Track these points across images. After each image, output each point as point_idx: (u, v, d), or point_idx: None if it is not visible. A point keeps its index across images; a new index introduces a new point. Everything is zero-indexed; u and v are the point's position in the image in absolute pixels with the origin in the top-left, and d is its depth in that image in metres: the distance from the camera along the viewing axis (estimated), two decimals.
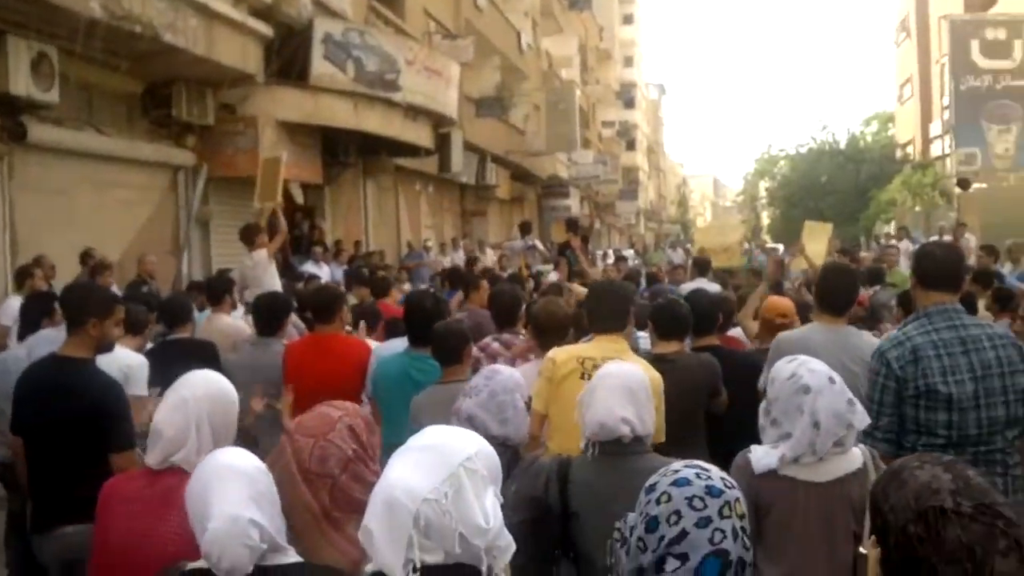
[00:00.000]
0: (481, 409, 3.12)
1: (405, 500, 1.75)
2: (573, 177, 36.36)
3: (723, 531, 1.77)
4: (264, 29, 11.70)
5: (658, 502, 1.82)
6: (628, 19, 66.84)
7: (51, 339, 5.00)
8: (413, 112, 15.51)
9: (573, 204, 35.51)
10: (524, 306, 5.54)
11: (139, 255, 10.09)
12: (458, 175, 21.27)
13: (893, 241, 16.87)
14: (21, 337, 6.12)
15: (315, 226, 15.34)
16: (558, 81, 34.57)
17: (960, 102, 20.09)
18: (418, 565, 1.75)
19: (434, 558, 1.77)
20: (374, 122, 14.41)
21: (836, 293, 4.45)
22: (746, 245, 27.83)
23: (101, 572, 2.76)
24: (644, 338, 5.08)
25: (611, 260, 16.66)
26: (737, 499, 1.83)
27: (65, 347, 3.94)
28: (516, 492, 3.02)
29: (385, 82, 14.28)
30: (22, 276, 8.18)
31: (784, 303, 5.17)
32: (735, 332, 5.98)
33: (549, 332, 4.57)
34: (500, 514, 1.84)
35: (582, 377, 3.87)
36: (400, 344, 4.82)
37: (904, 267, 12.20)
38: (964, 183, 21.91)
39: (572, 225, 13.37)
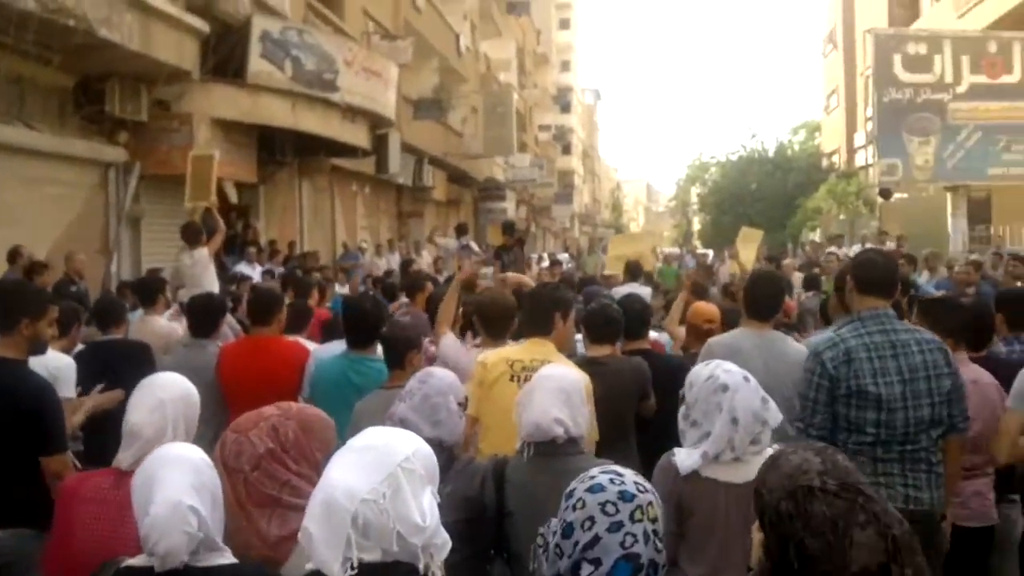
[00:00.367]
0: (414, 412, 3.21)
1: (344, 501, 1.81)
2: (510, 180, 36.52)
3: (634, 535, 1.82)
4: (201, 25, 11.58)
5: (574, 508, 1.87)
6: (565, 24, 67.26)
7: None
8: (351, 112, 15.47)
9: (509, 207, 35.67)
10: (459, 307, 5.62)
11: (67, 253, 9.87)
12: (395, 176, 21.24)
13: (833, 248, 17.31)
14: None
15: (249, 226, 15.21)
16: (496, 84, 34.72)
17: (882, 114, 20.68)
18: (355, 563, 1.80)
19: (371, 556, 1.83)
20: (312, 122, 14.35)
21: (763, 300, 4.62)
22: (678, 250, 28.35)
23: (60, 573, 2.76)
24: (580, 341, 5.20)
25: (546, 264, 16.82)
26: (650, 503, 1.88)
27: None
28: (451, 492, 3.11)
29: (323, 82, 14.24)
30: None
31: (710, 309, 5.34)
32: (656, 335, 6.13)
33: (495, 321, 4.66)
34: (437, 512, 1.91)
35: (512, 379, 3.98)
36: (339, 347, 4.86)
37: None
38: (885, 193, 22.58)
39: (508, 228, 13.50)
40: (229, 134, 12.93)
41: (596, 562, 1.80)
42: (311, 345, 5.32)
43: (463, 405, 3.32)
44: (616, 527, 1.82)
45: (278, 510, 2.45)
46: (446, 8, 27.52)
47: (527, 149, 42.13)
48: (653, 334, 6.03)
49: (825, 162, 44.80)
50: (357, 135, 16.15)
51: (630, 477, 1.93)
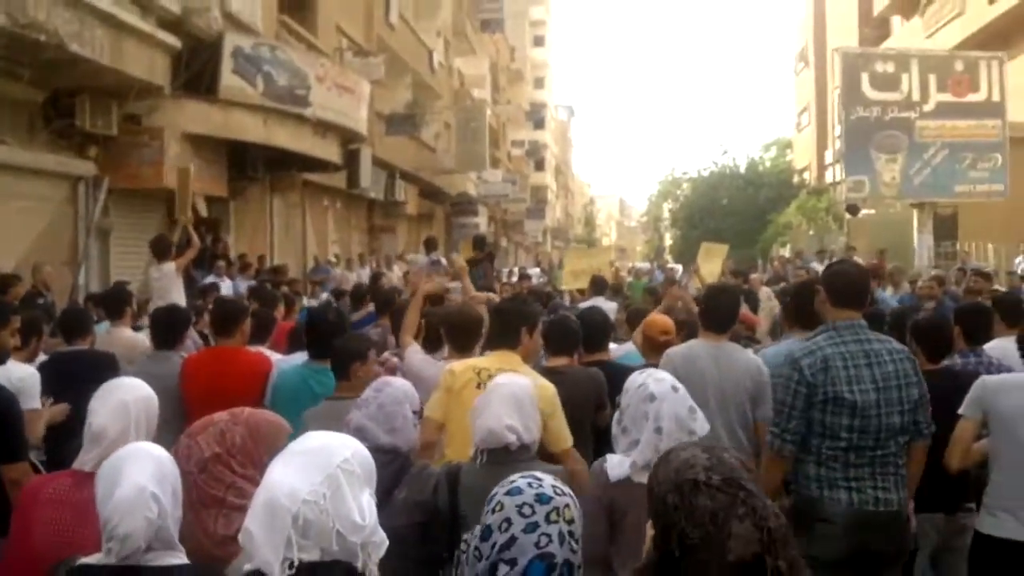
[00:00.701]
0: (370, 420, 3.29)
1: (285, 501, 1.87)
2: (482, 195, 36.66)
3: (549, 535, 1.86)
4: (172, 41, 11.64)
5: (493, 511, 1.91)
6: (539, 41, 67.66)
7: None
8: (323, 128, 15.55)
9: (481, 222, 35.80)
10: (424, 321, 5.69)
11: (34, 265, 9.84)
12: (367, 191, 21.30)
13: (814, 262, 17.51)
14: None
15: (219, 240, 15.21)
16: (469, 100, 34.89)
17: (850, 131, 20.95)
18: (295, 562, 1.85)
19: (310, 556, 1.88)
20: (283, 137, 14.42)
21: (718, 312, 4.78)
22: (648, 265, 28.51)
23: (18, 573, 2.78)
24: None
25: (515, 278, 16.92)
26: (567, 505, 1.92)
27: None
28: (406, 497, 3.19)
29: (295, 97, 14.31)
30: None
31: (665, 321, 5.44)
32: (615, 347, 6.22)
33: (463, 334, 4.75)
34: (375, 512, 1.96)
35: (478, 387, 4.05)
36: (301, 357, 4.92)
37: None
38: (853, 209, 22.87)
39: (479, 242, 13.59)
40: (200, 149, 12.96)
41: (512, 562, 1.83)
42: (274, 356, 5.37)
43: (418, 413, 3.40)
44: (532, 528, 1.86)
45: (223, 510, 2.55)
46: (420, 25, 27.66)
47: (500, 165, 42.30)
48: (614, 346, 6.14)
49: (796, 178, 45.30)
50: (329, 150, 16.22)
51: (548, 481, 1.97)
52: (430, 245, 15.21)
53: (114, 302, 6.68)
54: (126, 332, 6.37)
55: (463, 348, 4.67)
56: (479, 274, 12.55)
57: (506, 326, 4.33)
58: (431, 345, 5.35)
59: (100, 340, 6.08)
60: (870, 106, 21.13)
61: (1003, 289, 12.26)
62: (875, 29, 38.80)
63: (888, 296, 12.38)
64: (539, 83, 67.15)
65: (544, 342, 4.89)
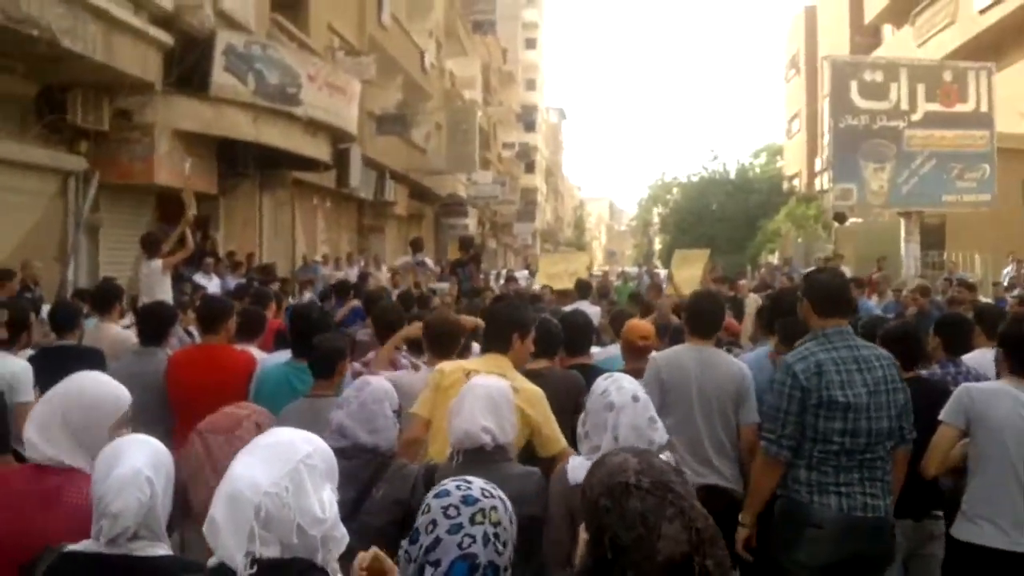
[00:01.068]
0: (352, 420, 3.34)
1: (248, 493, 1.89)
2: (472, 197, 36.70)
3: (473, 536, 1.88)
4: (165, 38, 11.67)
5: (421, 514, 1.94)
6: (531, 44, 67.76)
7: None
8: (313, 127, 15.58)
9: (471, 223, 35.84)
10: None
11: (23, 260, 9.87)
12: (356, 191, 21.32)
13: (801, 271, 17.56)
14: None
15: (208, 237, 15.23)
16: (460, 101, 34.90)
17: (839, 140, 21.01)
18: (257, 556, 1.88)
19: (271, 551, 1.90)
20: (274, 135, 14.45)
21: (703, 317, 4.88)
22: (636, 269, 28.60)
23: None
24: None
25: (503, 280, 16.98)
26: (493, 507, 1.94)
27: None
28: (384, 496, 3.24)
29: (286, 96, 14.34)
30: None
31: (645, 326, 5.51)
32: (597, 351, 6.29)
33: (442, 340, 4.78)
34: (335, 508, 1.99)
35: None
36: (286, 355, 4.95)
37: None
38: (840, 217, 22.98)
39: (466, 243, 13.65)
40: (190, 146, 12.98)
41: (436, 563, 1.86)
42: (260, 354, 5.40)
43: (397, 413, 3.45)
44: (456, 529, 1.88)
45: None
46: (412, 26, 27.69)
47: (490, 166, 42.34)
48: (597, 350, 6.21)
49: (786, 185, 45.41)
50: (319, 149, 16.26)
51: (478, 484, 1.99)
52: (416, 246, 15.26)
53: (103, 298, 6.69)
54: (114, 328, 6.39)
55: (442, 354, 4.69)
56: (465, 275, 12.63)
57: (498, 331, 4.37)
58: (414, 349, 5.41)
59: (88, 335, 6.11)
60: (859, 115, 21.19)
61: (988, 300, 12.38)
62: (866, 37, 38.99)
63: (872, 305, 12.50)
64: (530, 85, 67.22)
65: None
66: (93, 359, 5.14)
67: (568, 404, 4.67)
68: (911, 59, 25.61)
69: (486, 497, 1.95)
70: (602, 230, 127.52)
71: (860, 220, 24.73)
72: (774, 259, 33.31)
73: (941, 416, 4.00)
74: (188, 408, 4.80)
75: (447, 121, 30.80)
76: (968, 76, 21.53)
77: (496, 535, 1.91)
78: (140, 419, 4.64)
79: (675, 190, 52.30)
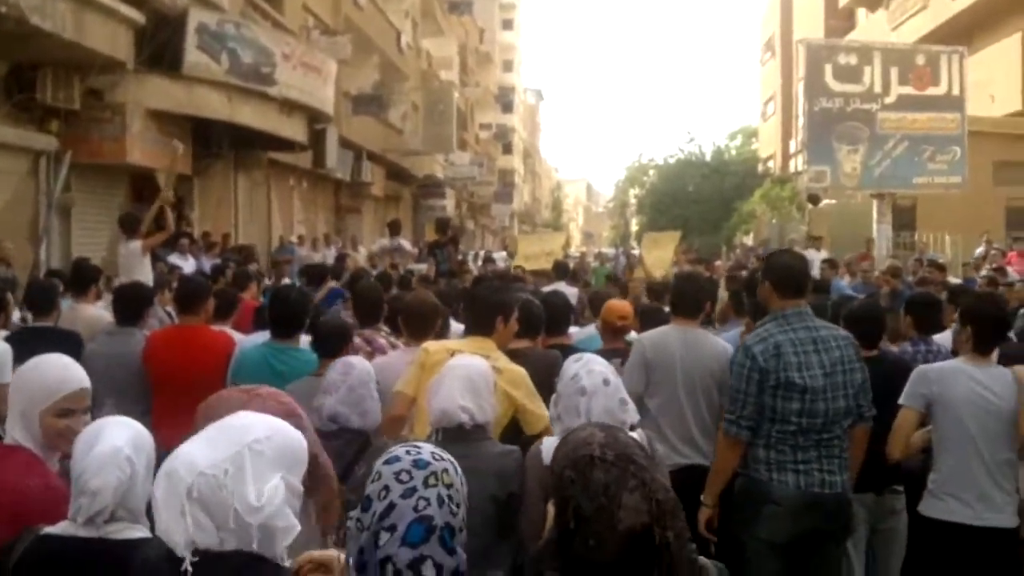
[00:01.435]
0: (343, 406, 3.35)
1: (182, 472, 1.86)
2: (449, 178, 36.61)
3: (427, 499, 1.85)
4: (136, 16, 11.50)
5: (372, 481, 1.90)
6: (508, 24, 67.46)
7: None
8: (288, 107, 15.47)
9: (449, 204, 35.75)
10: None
11: None
12: (333, 171, 21.21)
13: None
14: None
15: (182, 217, 15.11)
16: (437, 82, 34.74)
17: (813, 122, 21.13)
18: (197, 546, 1.84)
19: (207, 537, 1.85)
20: (248, 115, 14.34)
21: (688, 298, 4.96)
22: (613, 250, 28.68)
23: None
24: None
25: (481, 262, 17.00)
26: (445, 470, 1.91)
27: None
28: (365, 474, 3.26)
29: (260, 75, 14.23)
30: None
31: (623, 306, 5.57)
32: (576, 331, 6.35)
33: (419, 321, 4.79)
34: (281, 497, 1.90)
35: None
36: (264, 336, 4.93)
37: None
38: (814, 199, 23.16)
39: (442, 225, 13.65)
40: (163, 125, 12.87)
41: (391, 528, 1.84)
42: (237, 335, 5.39)
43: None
44: (409, 493, 1.85)
45: None
46: (388, 5, 27.51)
47: (467, 147, 42.24)
48: (575, 329, 6.28)
49: (761, 167, 45.66)
50: (294, 129, 16.15)
51: (428, 448, 1.98)
52: (394, 229, 15.22)
53: (81, 278, 6.64)
54: (89, 309, 6.33)
55: (419, 336, 4.70)
56: (443, 256, 12.65)
57: (482, 313, 4.40)
58: (395, 330, 5.43)
59: (63, 316, 6.05)
60: (833, 97, 21.30)
61: (957, 280, 12.54)
62: (841, 21, 39.19)
63: (844, 285, 12.61)
64: (508, 66, 66.98)
65: None
66: (69, 341, 5.09)
67: (548, 382, 4.66)
68: (885, 43, 25.81)
69: (437, 460, 1.93)
70: (579, 211, 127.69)
71: (833, 202, 24.93)
72: (749, 240, 33.51)
73: (901, 400, 4.07)
74: (166, 388, 4.82)
75: (424, 102, 30.66)
76: (940, 60, 21.68)
77: (450, 496, 1.89)
78: (118, 400, 4.68)
79: (652, 172, 52.40)
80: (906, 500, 4.50)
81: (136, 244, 8.89)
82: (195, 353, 4.92)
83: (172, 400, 4.56)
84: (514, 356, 4.52)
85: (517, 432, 3.94)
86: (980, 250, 19.36)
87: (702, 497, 4.10)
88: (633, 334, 5.43)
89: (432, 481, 1.88)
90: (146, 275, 8.68)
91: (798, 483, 3.83)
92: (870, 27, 35.23)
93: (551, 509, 2.03)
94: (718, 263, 15.95)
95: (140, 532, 2.35)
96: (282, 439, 1.97)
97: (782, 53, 43.91)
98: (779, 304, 4.00)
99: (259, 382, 4.25)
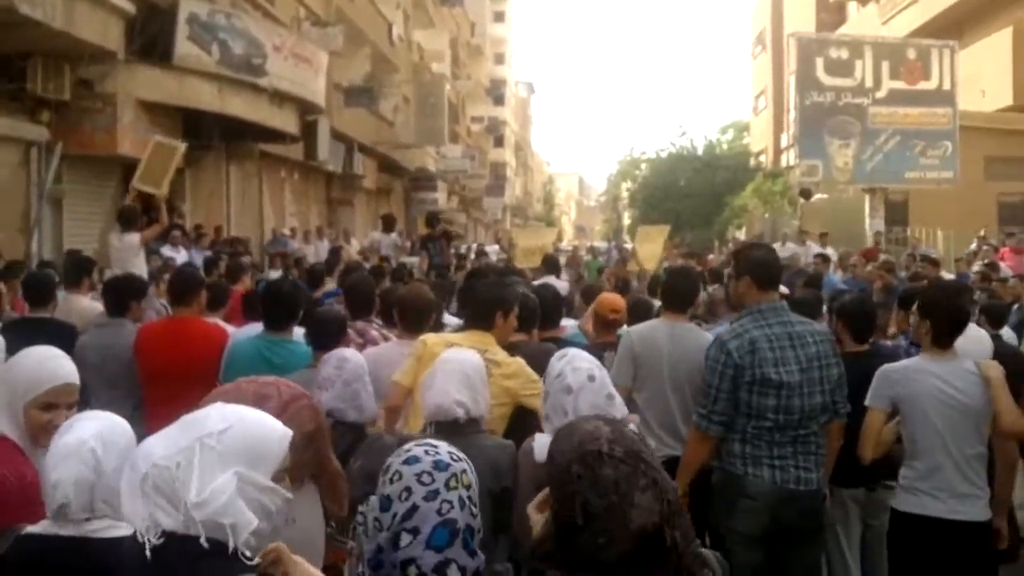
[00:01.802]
0: (340, 401, 3.34)
1: (140, 462, 1.87)
2: (441, 170, 36.54)
3: (450, 502, 1.89)
4: (127, 6, 11.43)
5: (391, 481, 1.92)
6: (500, 17, 67.34)
7: None
8: (279, 98, 15.42)
9: (440, 197, 35.71)
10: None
11: None
12: (325, 163, 21.15)
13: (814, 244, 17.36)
14: None
15: (174, 208, 15.04)
16: (429, 74, 34.68)
17: (805, 116, 21.19)
18: (163, 527, 1.82)
19: (172, 521, 1.83)
20: (239, 106, 14.28)
21: (677, 292, 4.98)
22: (605, 244, 28.70)
23: None
24: None
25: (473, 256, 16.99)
26: (463, 471, 1.95)
27: None
28: (360, 467, 3.26)
29: (251, 66, 14.17)
30: None
31: (616, 299, 5.57)
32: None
33: (414, 314, 4.81)
34: (228, 494, 1.84)
35: None
36: (257, 328, 4.90)
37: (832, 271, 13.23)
38: (806, 193, 23.20)
39: (432, 219, 13.65)
40: (154, 116, 12.81)
41: (414, 531, 1.86)
42: (230, 327, 5.36)
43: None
44: (432, 495, 1.88)
45: None
46: None
47: (459, 140, 42.18)
48: (569, 321, 6.29)
49: (752, 161, 45.70)
50: (285, 121, 16.10)
51: (444, 448, 2.00)
52: (388, 223, 15.17)
53: (74, 270, 6.61)
54: (83, 301, 6.29)
55: (413, 330, 4.71)
56: (436, 250, 12.64)
57: (481, 309, 4.41)
58: (387, 323, 5.43)
59: (57, 308, 6.02)
60: (824, 91, 21.37)
61: (950, 275, 12.58)
62: (832, 15, 39.27)
63: (837, 280, 12.64)
64: (499, 59, 66.86)
65: None
66: (63, 334, 5.05)
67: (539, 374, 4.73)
68: (876, 37, 25.89)
69: (455, 461, 1.96)
70: (571, 205, 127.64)
71: (825, 196, 24.98)
72: (741, 235, 33.53)
73: (867, 401, 4.05)
74: (157, 381, 4.78)
75: (415, 94, 30.61)
76: (931, 54, 21.76)
77: (469, 498, 1.93)
78: (110, 392, 4.66)
79: (644, 166, 52.31)
80: None
81: (135, 237, 8.87)
82: (187, 345, 4.89)
83: (164, 392, 4.54)
84: (509, 349, 4.53)
85: (519, 427, 3.93)
86: (973, 246, 19.45)
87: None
88: (625, 328, 5.44)
89: (453, 483, 1.91)
90: (141, 268, 8.67)
91: (773, 478, 3.84)
92: (861, 21, 35.29)
93: (534, 514, 2.00)
94: (710, 257, 15.96)
95: (125, 530, 2.23)
96: (241, 432, 1.89)
97: (773, 47, 43.99)
98: (758, 297, 4.00)
99: (254, 375, 4.29)
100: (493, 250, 22.29)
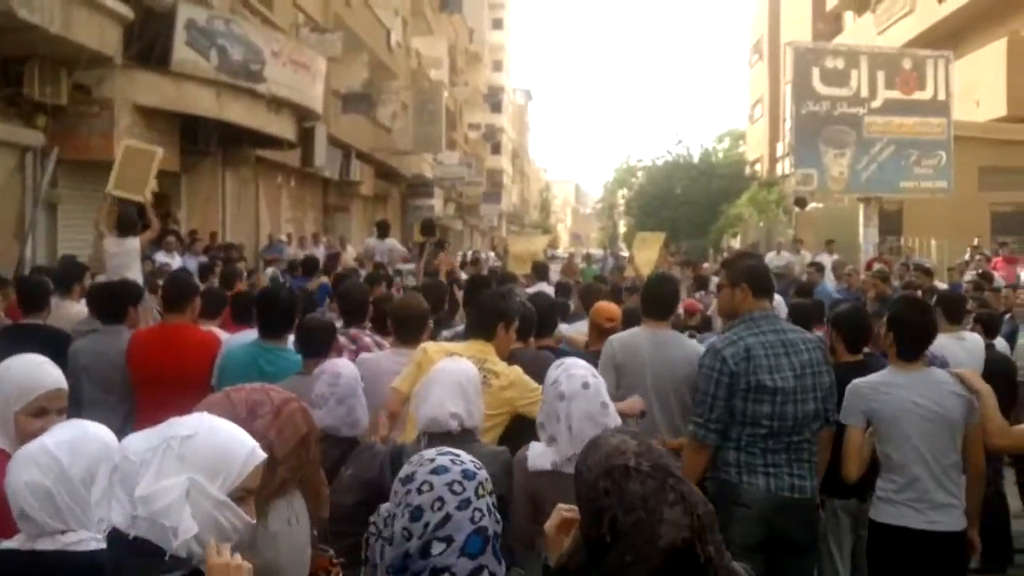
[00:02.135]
0: (334, 420, 3.32)
1: (117, 455, 1.93)
2: (438, 177, 36.57)
3: (481, 510, 1.92)
4: (124, 11, 11.46)
5: (419, 491, 1.93)
6: (498, 24, 67.53)
7: None
8: (277, 104, 15.42)
9: (437, 204, 35.72)
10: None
11: None
12: (321, 170, 21.15)
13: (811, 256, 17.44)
14: None
15: (168, 214, 15.03)
16: (426, 81, 34.71)
17: (800, 125, 21.20)
18: (113, 523, 1.85)
19: (120, 519, 1.85)
20: (237, 112, 14.28)
21: (658, 300, 4.95)
22: (601, 252, 28.73)
23: None
24: None
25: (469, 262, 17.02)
26: (486, 478, 1.99)
27: None
28: (352, 475, 3.27)
29: (249, 72, 14.17)
30: None
31: (611, 308, 5.58)
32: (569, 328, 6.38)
33: (408, 324, 4.81)
34: (174, 496, 1.84)
35: None
36: (250, 335, 4.89)
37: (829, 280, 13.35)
38: (801, 202, 23.24)
39: (427, 227, 13.63)
40: (151, 121, 12.80)
41: (448, 540, 1.88)
42: (224, 334, 5.34)
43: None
44: (465, 504, 1.91)
45: None
46: (377, 3, 27.46)
47: (456, 147, 42.23)
48: (565, 327, 6.32)
49: (748, 170, 45.78)
50: (283, 127, 16.10)
51: (466, 457, 2.03)
52: (382, 229, 15.15)
53: (67, 276, 6.59)
54: (75, 307, 6.29)
55: (408, 339, 4.71)
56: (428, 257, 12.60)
57: (483, 319, 4.42)
58: (380, 330, 5.43)
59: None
60: (820, 101, 21.37)
61: (943, 285, 12.61)
62: (828, 24, 39.41)
63: (831, 289, 12.68)
64: (497, 66, 67.02)
65: None
66: (56, 340, 5.04)
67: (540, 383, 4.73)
68: (871, 47, 25.88)
69: (479, 469, 2.00)
70: (568, 213, 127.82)
71: (820, 205, 25.03)
72: (736, 243, 33.58)
73: (841, 418, 4.06)
74: (149, 387, 4.75)
75: (413, 101, 30.62)
76: (926, 64, 21.77)
77: (493, 504, 1.96)
78: (104, 398, 4.65)
79: (640, 174, 52.41)
80: None
81: (133, 242, 8.87)
82: (178, 352, 4.85)
83: (156, 399, 4.49)
84: (508, 357, 4.53)
85: (518, 436, 3.94)
86: (966, 255, 19.50)
87: None
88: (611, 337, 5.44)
89: (481, 491, 1.94)
90: (137, 275, 8.68)
91: (768, 486, 3.84)
92: (857, 31, 35.42)
93: (555, 524, 2.00)
94: (705, 265, 15.99)
95: (94, 543, 2.23)
96: (206, 442, 1.91)
97: (770, 56, 44.07)
98: (753, 304, 4.01)
99: (247, 383, 4.28)
100: (488, 257, 22.33)
